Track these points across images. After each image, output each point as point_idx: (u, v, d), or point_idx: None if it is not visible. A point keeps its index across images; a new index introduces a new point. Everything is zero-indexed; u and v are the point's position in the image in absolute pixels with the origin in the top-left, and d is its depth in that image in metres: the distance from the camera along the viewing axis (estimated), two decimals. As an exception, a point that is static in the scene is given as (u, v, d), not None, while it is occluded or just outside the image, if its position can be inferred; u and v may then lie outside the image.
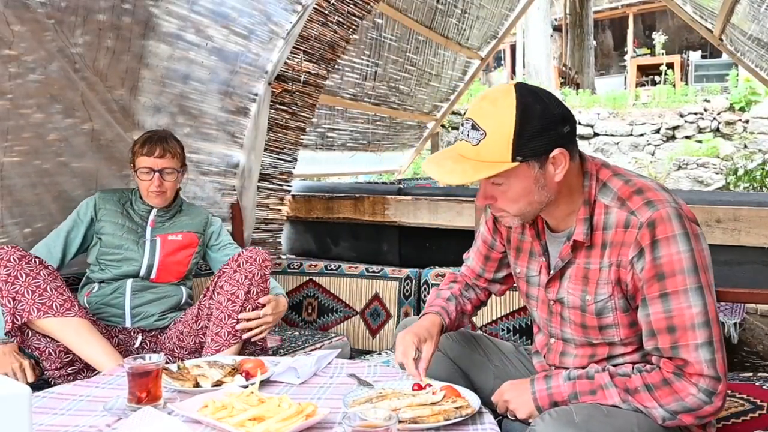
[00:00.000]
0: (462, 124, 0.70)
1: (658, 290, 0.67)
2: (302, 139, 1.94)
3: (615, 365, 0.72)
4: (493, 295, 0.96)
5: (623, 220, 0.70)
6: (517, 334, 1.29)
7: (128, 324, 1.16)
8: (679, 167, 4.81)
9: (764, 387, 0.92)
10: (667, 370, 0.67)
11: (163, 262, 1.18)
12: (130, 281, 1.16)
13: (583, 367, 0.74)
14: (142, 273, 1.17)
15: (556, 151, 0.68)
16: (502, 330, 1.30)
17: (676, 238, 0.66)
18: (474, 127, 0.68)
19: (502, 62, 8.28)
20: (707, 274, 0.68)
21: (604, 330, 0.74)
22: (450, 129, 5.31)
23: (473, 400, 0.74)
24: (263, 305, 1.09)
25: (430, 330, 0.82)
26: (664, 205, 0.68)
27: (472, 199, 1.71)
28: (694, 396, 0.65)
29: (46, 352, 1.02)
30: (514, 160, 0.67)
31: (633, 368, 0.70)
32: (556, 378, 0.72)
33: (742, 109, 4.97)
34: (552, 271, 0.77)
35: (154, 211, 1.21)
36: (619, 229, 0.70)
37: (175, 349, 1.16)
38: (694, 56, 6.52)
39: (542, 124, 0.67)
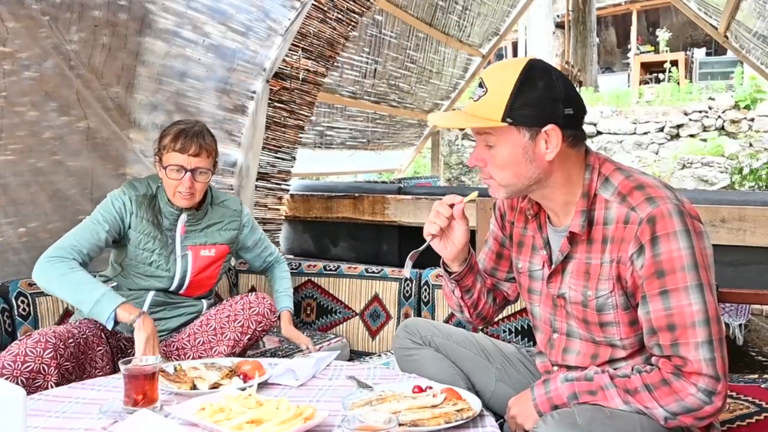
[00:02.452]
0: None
1: (657, 287, 0.67)
2: (301, 137, 1.93)
3: (616, 369, 0.72)
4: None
5: (623, 216, 0.69)
6: (519, 336, 1.28)
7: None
8: (684, 166, 4.78)
9: (771, 390, 0.91)
10: (666, 370, 0.67)
11: (194, 280, 1.10)
12: (151, 293, 1.08)
13: (584, 369, 0.73)
14: (171, 288, 1.10)
15: (548, 127, 0.69)
16: (504, 332, 1.29)
17: (677, 235, 0.66)
18: (480, 85, 0.71)
19: (504, 59, 8.22)
20: (708, 272, 0.67)
21: (605, 327, 0.73)
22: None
23: (474, 403, 0.73)
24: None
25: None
26: (665, 202, 0.68)
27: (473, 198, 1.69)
28: (693, 396, 0.64)
29: None
30: (503, 120, 0.69)
31: (632, 369, 0.69)
32: (553, 381, 0.72)
33: (747, 107, 4.94)
34: (553, 265, 0.76)
35: (183, 216, 1.10)
36: (619, 225, 0.70)
37: (181, 355, 1.08)
38: (699, 53, 6.48)
39: (540, 96, 0.69)
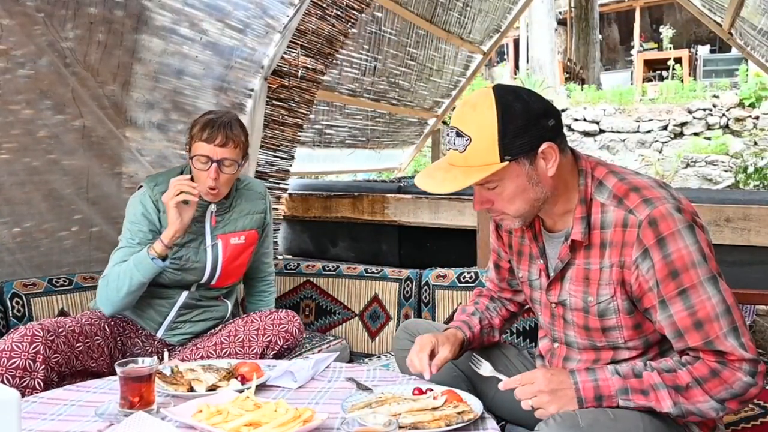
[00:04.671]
0: (447, 134, 0.72)
1: (674, 288, 0.66)
2: (299, 136, 1.92)
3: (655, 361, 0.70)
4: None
5: (621, 219, 0.69)
6: (521, 336, 1.26)
7: (160, 334, 1.10)
8: (687, 165, 4.75)
9: (777, 392, 0.90)
10: (710, 360, 0.66)
11: (226, 269, 1.09)
12: (185, 294, 1.07)
13: None
14: (203, 281, 1.08)
15: (544, 146, 0.69)
16: (505, 332, 1.27)
17: (681, 233, 0.66)
18: (459, 134, 0.69)
19: (505, 57, 8.21)
20: (715, 263, 0.68)
21: (608, 332, 0.73)
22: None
23: (475, 405, 0.72)
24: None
25: (449, 338, 0.82)
26: (662, 202, 0.67)
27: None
28: (742, 380, 0.65)
29: None
30: (502, 160, 0.68)
31: (675, 362, 0.68)
32: (602, 371, 0.68)
33: (752, 105, 4.91)
34: (552, 273, 0.76)
35: (212, 206, 1.08)
36: (618, 229, 0.69)
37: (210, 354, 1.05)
38: (703, 50, 6.43)
39: (525, 121, 0.68)
